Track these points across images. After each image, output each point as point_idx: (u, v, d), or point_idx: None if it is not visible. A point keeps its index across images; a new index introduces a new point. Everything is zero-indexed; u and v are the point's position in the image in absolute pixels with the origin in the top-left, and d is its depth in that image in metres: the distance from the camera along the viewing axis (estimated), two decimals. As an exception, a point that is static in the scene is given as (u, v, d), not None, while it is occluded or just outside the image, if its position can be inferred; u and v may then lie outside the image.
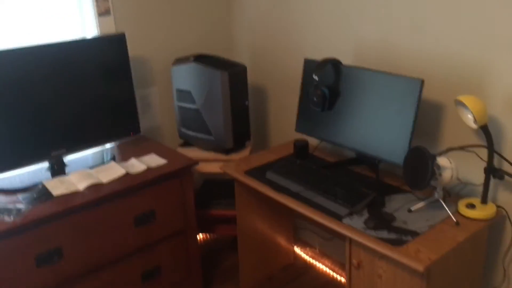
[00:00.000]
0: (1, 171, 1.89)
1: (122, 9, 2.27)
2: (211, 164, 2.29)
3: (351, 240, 1.63)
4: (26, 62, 1.86)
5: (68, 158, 2.09)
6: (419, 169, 1.57)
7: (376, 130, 1.85)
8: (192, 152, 2.32)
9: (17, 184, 1.90)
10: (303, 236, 2.70)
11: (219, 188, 2.56)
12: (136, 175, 1.96)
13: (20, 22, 2.01)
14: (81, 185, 1.85)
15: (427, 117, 1.86)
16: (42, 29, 2.07)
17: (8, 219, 1.64)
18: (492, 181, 1.66)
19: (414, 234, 1.53)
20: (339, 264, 2.48)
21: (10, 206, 1.72)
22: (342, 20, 2.10)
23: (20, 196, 1.81)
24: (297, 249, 2.67)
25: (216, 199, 2.45)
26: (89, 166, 2.02)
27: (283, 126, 2.57)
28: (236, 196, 2.18)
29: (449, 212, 1.60)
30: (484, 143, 1.61)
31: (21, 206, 1.72)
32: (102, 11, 2.19)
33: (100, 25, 2.20)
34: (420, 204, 1.67)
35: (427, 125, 1.87)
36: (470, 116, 1.56)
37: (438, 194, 1.64)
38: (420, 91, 1.68)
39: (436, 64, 1.79)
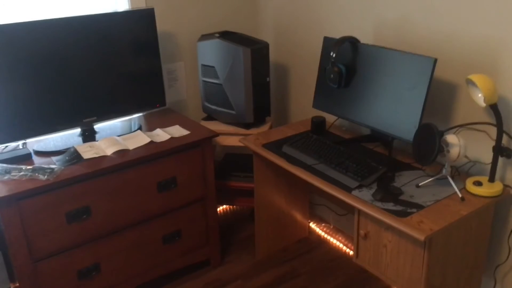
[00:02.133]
0: (38, 135, 2.05)
1: (152, -14, 2.36)
2: (231, 137, 2.39)
3: (359, 212, 1.71)
4: (61, 33, 1.97)
5: (98, 126, 2.23)
6: (427, 144, 1.62)
7: (390, 108, 1.90)
8: (214, 125, 2.41)
9: (51, 147, 2.05)
10: (319, 212, 2.79)
11: (240, 162, 2.65)
12: (160, 143, 2.08)
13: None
14: (109, 150, 1.99)
15: (440, 96, 1.90)
16: (77, 1, 2.19)
17: (43, 177, 1.79)
18: (501, 160, 1.70)
19: (419, 207, 1.60)
20: (352, 239, 2.55)
21: (45, 166, 1.86)
22: (363, 0, 2.14)
23: (54, 158, 1.96)
24: (312, 224, 2.75)
25: (236, 171, 2.54)
26: (117, 134, 2.16)
27: (302, 103, 2.64)
28: (255, 169, 2.27)
29: (456, 188, 1.65)
30: (494, 122, 1.64)
31: (54, 166, 1.86)
32: (133, -13, 2.30)
33: None
34: (428, 180, 1.72)
35: (440, 104, 1.91)
36: (480, 95, 1.60)
37: (446, 171, 1.69)
38: (433, 70, 1.71)
39: (451, 44, 1.81)
